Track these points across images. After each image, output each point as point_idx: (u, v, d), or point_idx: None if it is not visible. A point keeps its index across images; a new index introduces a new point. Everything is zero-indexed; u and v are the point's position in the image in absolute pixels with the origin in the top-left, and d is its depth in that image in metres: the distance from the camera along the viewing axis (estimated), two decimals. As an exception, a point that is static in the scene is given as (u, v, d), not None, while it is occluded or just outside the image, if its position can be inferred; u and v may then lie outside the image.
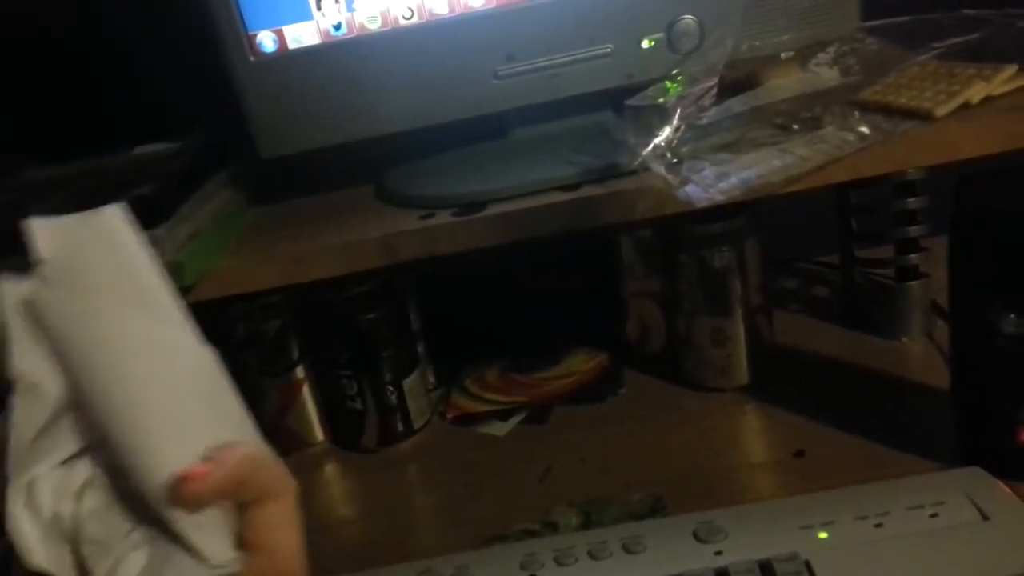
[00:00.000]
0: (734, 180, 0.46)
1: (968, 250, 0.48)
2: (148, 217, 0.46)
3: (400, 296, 0.67)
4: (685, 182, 0.47)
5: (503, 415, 0.67)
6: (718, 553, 0.44)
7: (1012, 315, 0.48)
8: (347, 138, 0.52)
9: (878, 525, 0.44)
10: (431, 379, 0.72)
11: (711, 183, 0.47)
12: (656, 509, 0.54)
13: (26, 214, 0.50)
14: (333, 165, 0.60)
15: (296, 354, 0.65)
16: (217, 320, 0.65)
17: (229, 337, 0.65)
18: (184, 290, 0.48)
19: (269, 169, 0.55)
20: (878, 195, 0.65)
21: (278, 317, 0.64)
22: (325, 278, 0.52)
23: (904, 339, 0.66)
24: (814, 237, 0.73)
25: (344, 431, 0.67)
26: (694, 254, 0.62)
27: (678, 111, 0.45)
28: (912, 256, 0.64)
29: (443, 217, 0.51)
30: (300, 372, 0.66)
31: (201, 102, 0.62)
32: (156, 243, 0.46)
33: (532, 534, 0.54)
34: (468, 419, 0.68)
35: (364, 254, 0.50)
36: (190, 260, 0.47)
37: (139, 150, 0.57)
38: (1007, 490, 0.45)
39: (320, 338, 0.64)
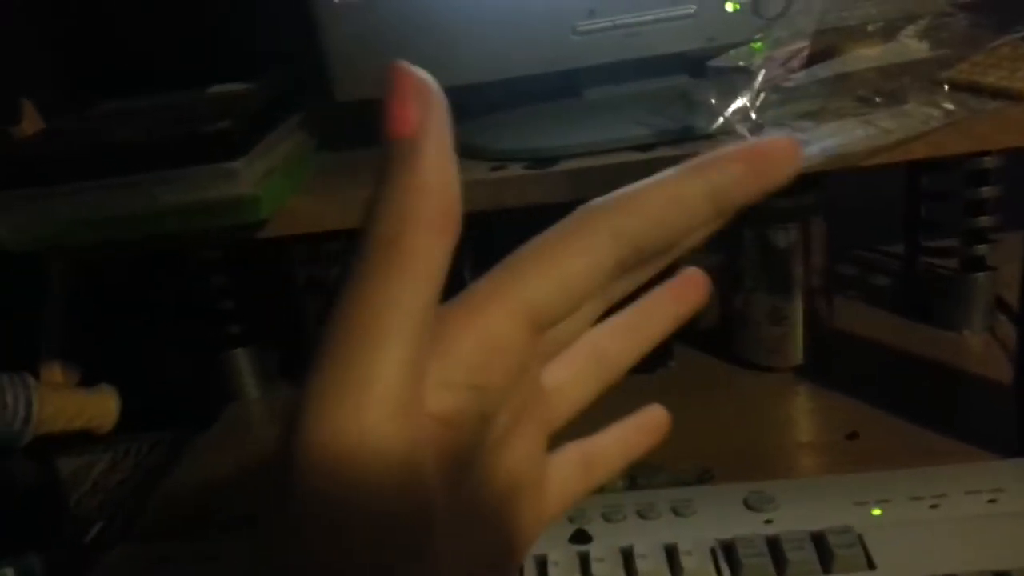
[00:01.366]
0: (815, 148, 0.45)
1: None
2: (226, 151, 0.47)
3: (457, 250, 0.67)
4: (764, 148, 0.47)
5: (551, 379, 0.67)
6: (768, 522, 0.44)
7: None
8: (423, 86, 0.52)
9: (934, 506, 0.44)
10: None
11: (791, 150, 0.46)
12: (703, 480, 0.54)
13: (104, 139, 0.52)
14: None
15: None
16: (280, 266, 0.66)
17: (290, 282, 0.66)
18: (259, 224, 0.49)
19: (342, 115, 0.56)
20: (950, 182, 0.64)
21: (338, 264, 0.64)
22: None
23: (965, 332, 0.64)
24: (879, 225, 0.72)
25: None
26: (759, 229, 0.62)
27: (763, 73, 0.45)
28: (979, 247, 0.62)
29: (513, 170, 0.51)
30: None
31: (278, 44, 0.63)
32: (233, 176, 0.47)
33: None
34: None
35: (433, 201, 0.50)
36: (267, 195, 0.47)
37: (215, 88, 0.57)
38: (1070, 482, 0.44)
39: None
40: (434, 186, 0.21)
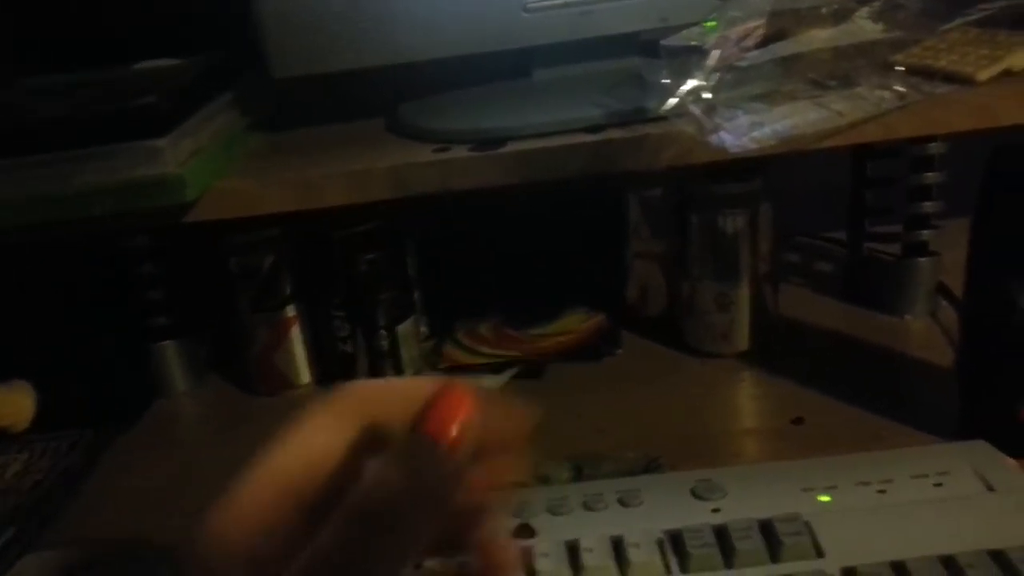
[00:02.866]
0: (768, 130, 0.45)
1: (993, 220, 0.47)
2: (149, 127, 0.45)
3: (400, 240, 0.65)
4: (718, 129, 0.46)
5: (496, 368, 0.66)
6: (716, 510, 0.43)
7: (1030, 290, 0.47)
8: (364, 63, 0.49)
9: (881, 491, 0.43)
10: (424, 329, 0.70)
11: (745, 131, 0.46)
12: (650, 468, 0.53)
13: (28, 116, 0.49)
14: (347, 95, 0.58)
15: (288, 291, 0.63)
16: (211, 252, 0.63)
17: (221, 271, 0.63)
18: (186, 207, 0.46)
19: (280, 94, 0.53)
20: (895, 168, 0.64)
21: (272, 252, 0.62)
22: (329, 208, 0.50)
23: (907, 316, 0.65)
24: (824, 211, 0.72)
25: (332, 374, 0.65)
26: (706, 215, 0.61)
27: (717, 53, 0.44)
28: (923, 232, 0.63)
29: (459, 152, 0.49)
30: (291, 310, 0.64)
31: (211, 20, 0.60)
32: (157, 154, 0.44)
33: (522, 486, 0.52)
34: (460, 371, 0.66)
35: (374, 184, 0.48)
36: (192, 175, 0.45)
37: (142, 64, 0.54)
38: (1013, 463, 0.44)
39: (314, 276, 0.63)
40: (442, 492, 0.25)
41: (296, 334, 0.65)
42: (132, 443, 0.63)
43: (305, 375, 0.66)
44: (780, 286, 0.66)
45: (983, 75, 0.45)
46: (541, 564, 0.41)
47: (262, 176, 0.49)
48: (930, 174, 0.61)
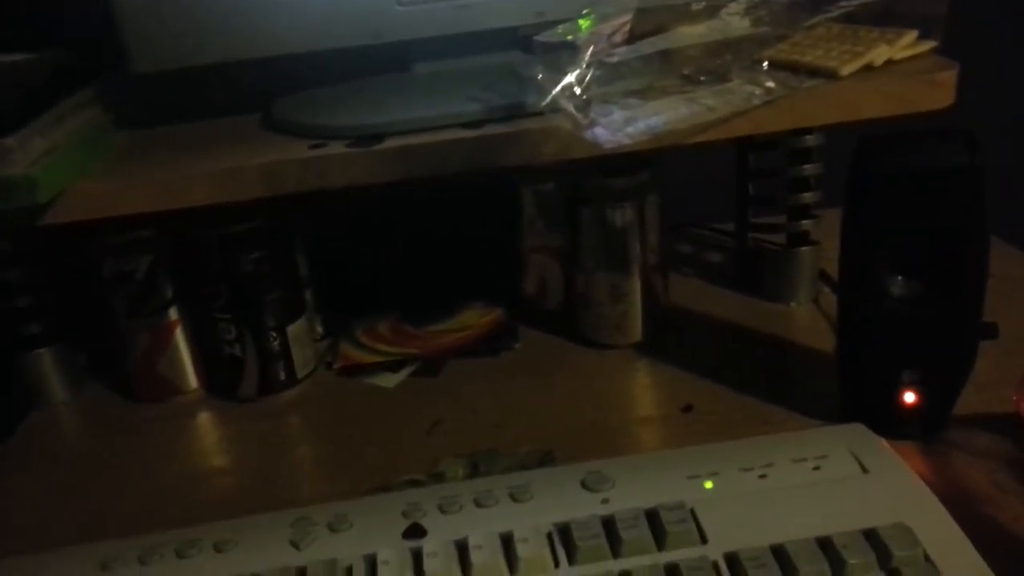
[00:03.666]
0: (641, 125, 0.45)
1: (861, 211, 0.49)
2: (-3, 125, 0.42)
3: (286, 238, 0.63)
4: (593, 124, 0.46)
5: (394, 367, 0.65)
6: (605, 501, 0.44)
7: (899, 277, 0.49)
8: (232, 56, 0.48)
9: (762, 476, 0.44)
10: (319, 329, 0.69)
11: (619, 127, 0.46)
12: (545, 462, 0.53)
13: None
14: (216, 91, 0.56)
15: (169, 295, 0.61)
16: (82, 257, 0.60)
17: (95, 275, 0.60)
18: (40, 209, 0.44)
19: (149, 92, 0.51)
20: (776, 160, 0.66)
21: (148, 254, 0.59)
22: (201, 207, 0.48)
23: (792, 304, 0.67)
24: (711, 204, 0.74)
25: (221, 379, 0.63)
26: (596, 208, 0.61)
27: (589, 49, 0.44)
28: (804, 222, 0.65)
29: (336, 148, 0.48)
30: (173, 314, 0.61)
31: (72, 12, 0.57)
32: (4, 155, 0.41)
33: (417, 485, 0.52)
34: (357, 370, 0.65)
35: (244, 182, 0.46)
36: (45, 175, 0.42)
37: (-7, 58, 0.51)
38: (886, 445, 0.46)
39: (196, 278, 0.60)
40: None
41: (180, 339, 0.62)
42: (7, 455, 0.59)
43: (192, 380, 0.64)
44: (671, 276, 0.67)
45: (846, 70, 0.46)
46: (430, 564, 0.40)
47: (124, 176, 0.47)
48: (808, 166, 0.63)
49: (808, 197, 0.64)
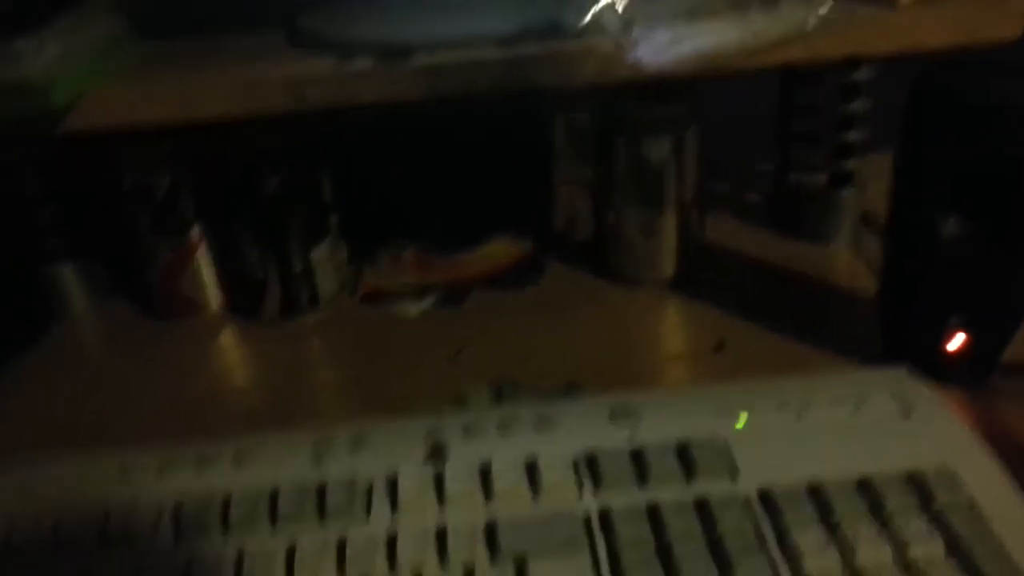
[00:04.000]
0: (688, 47, 0.43)
1: (917, 142, 0.46)
2: (9, 27, 0.40)
3: (312, 160, 0.61)
4: (635, 45, 0.44)
5: (417, 295, 0.64)
6: (633, 433, 0.42)
7: (953, 217, 0.46)
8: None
9: (799, 415, 0.43)
10: (343, 255, 0.67)
11: (663, 49, 0.44)
12: (570, 393, 0.52)
13: None
14: (241, 3, 0.54)
15: (191, 212, 0.59)
16: (103, 171, 0.58)
17: (115, 190, 0.58)
18: (56, 114, 0.42)
19: (166, 1, 0.49)
20: (822, 96, 0.63)
21: (170, 169, 0.57)
22: (225, 124, 0.46)
23: (831, 246, 0.65)
24: (751, 140, 0.71)
25: (243, 300, 0.62)
26: (631, 139, 0.59)
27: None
28: (848, 162, 0.62)
29: (362, 63, 0.45)
30: (195, 232, 0.60)
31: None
32: (17, 57, 0.40)
33: (440, 411, 0.51)
34: (380, 297, 0.64)
35: (266, 94, 0.44)
36: (61, 79, 0.40)
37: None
38: (930, 390, 0.44)
39: (218, 196, 0.59)
40: None
41: (202, 258, 0.61)
42: (29, 370, 0.59)
43: (214, 300, 0.63)
44: (708, 214, 0.65)
45: None
46: (451, 487, 0.39)
47: (144, 84, 0.45)
48: (856, 103, 0.60)
49: (855, 135, 0.61)
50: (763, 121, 0.67)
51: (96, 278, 0.64)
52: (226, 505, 0.40)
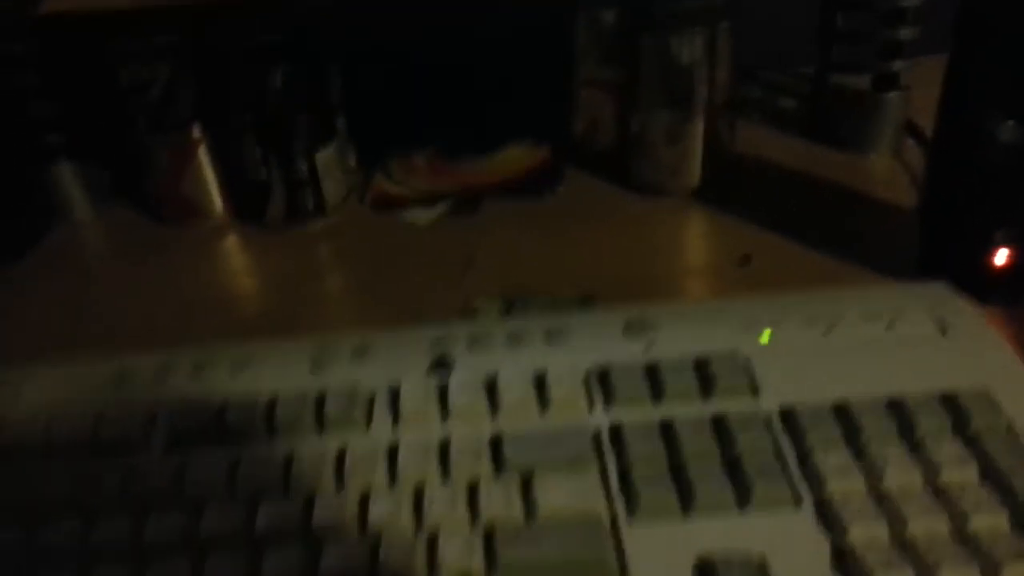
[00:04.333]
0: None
1: (974, 41, 0.42)
2: None
3: (319, 56, 0.58)
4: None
5: (429, 202, 0.61)
6: (649, 347, 0.40)
7: (1011, 121, 0.42)
8: None
9: (828, 331, 0.40)
10: (351, 159, 0.64)
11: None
12: (584, 306, 0.50)
13: None
14: None
15: (190, 109, 0.56)
16: (100, 64, 0.55)
17: (113, 84, 0.55)
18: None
19: None
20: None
21: (168, 62, 0.54)
22: (226, 13, 0.43)
23: (871, 156, 0.60)
24: (790, 41, 0.66)
25: (246, 203, 0.59)
26: (659, 35, 0.55)
27: None
28: (895, 63, 0.57)
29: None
30: (196, 131, 0.57)
31: None
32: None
33: (447, 321, 0.48)
34: (389, 203, 0.61)
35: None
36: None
37: None
38: (970, 307, 0.41)
39: (220, 92, 0.56)
40: None
41: (204, 158, 0.58)
42: (28, 273, 0.57)
43: (217, 204, 0.60)
44: (739, 122, 0.61)
45: None
46: (455, 399, 0.37)
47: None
48: (907, -4, 0.55)
49: (905, 33, 0.56)
50: (804, 17, 0.62)
51: (98, 180, 0.62)
52: (222, 412, 0.38)
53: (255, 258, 0.58)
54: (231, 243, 0.59)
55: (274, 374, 0.40)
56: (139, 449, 0.38)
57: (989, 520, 0.31)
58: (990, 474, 0.33)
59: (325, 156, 0.58)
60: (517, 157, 0.65)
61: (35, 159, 0.59)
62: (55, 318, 0.53)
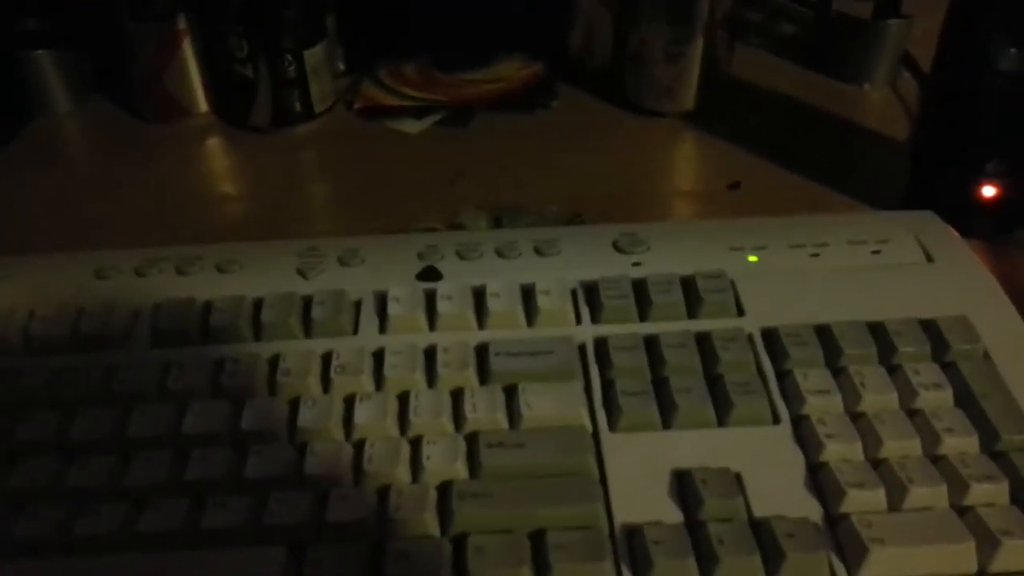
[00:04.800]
0: None
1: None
2: None
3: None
4: None
5: (419, 112, 0.60)
6: (637, 264, 0.40)
7: (1013, 49, 0.42)
8: None
9: (815, 255, 0.40)
10: (340, 64, 0.63)
11: None
12: (573, 222, 0.49)
13: None
14: None
15: (175, -2, 0.54)
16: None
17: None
18: None
19: None
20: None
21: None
22: None
23: (866, 86, 0.60)
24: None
25: (231, 102, 0.58)
26: (664, -53, 0.53)
27: None
28: (899, -10, 0.56)
29: None
30: (181, 22, 0.55)
31: None
32: None
33: (435, 232, 0.48)
34: (378, 112, 0.60)
35: None
36: None
37: None
38: (957, 235, 0.41)
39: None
40: None
41: (188, 52, 0.56)
42: (5, 166, 0.56)
43: (202, 102, 0.59)
44: (737, 45, 0.60)
45: None
46: (443, 306, 0.38)
47: None
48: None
49: (911, -42, 0.55)
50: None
51: (79, 73, 0.60)
52: (206, 312, 0.38)
53: (239, 160, 0.56)
54: (214, 143, 0.57)
55: (260, 276, 0.40)
56: (122, 346, 0.37)
57: (960, 442, 0.32)
58: (964, 399, 0.34)
59: (314, 55, 0.56)
60: (511, 70, 0.63)
61: (13, 45, 0.57)
62: (34, 212, 0.52)
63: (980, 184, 0.45)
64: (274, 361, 0.36)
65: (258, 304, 0.38)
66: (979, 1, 0.42)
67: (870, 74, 0.59)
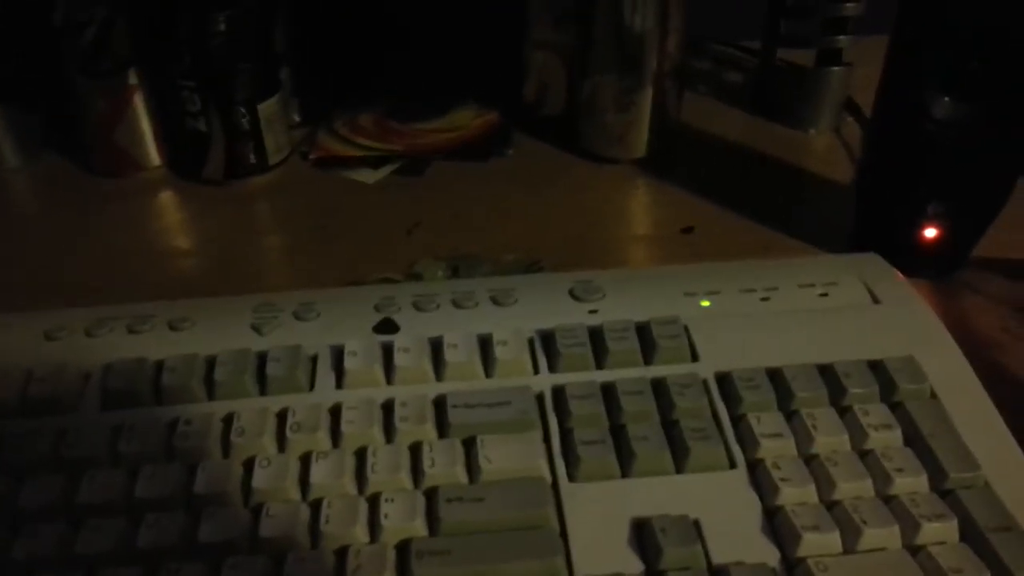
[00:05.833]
0: None
1: (917, 17, 0.43)
2: None
3: (263, 4, 0.56)
4: None
5: (375, 163, 0.60)
6: (593, 312, 0.40)
7: (946, 97, 0.43)
8: None
9: (765, 299, 0.41)
10: (295, 115, 0.63)
11: None
12: (530, 271, 0.50)
13: None
14: None
15: (126, 53, 0.54)
16: (32, 3, 0.53)
17: (46, 24, 0.53)
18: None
19: None
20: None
21: (104, 2, 0.52)
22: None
23: (811, 131, 0.62)
24: (735, 17, 0.66)
25: (184, 155, 0.58)
26: (614, 1, 0.54)
27: None
28: (840, 38, 0.58)
29: None
30: (132, 77, 0.55)
31: None
32: None
33: (392, 284, 0.48)
34: (334, 162, 0.60)
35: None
36: None
37: None
38: (902, 277, 0.42)
39: (157, 36, 0.53)
40: None
41: (140, 107, 0.56)
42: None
43: (154, 156, 0.58)
44: (685, 93, 0.61)
45: None
46: (400, 359, 0.37)
47: None
48: (855, -29, 0.56)
49: (850, 8, 0.57)
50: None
51: (30, 128, 0.59)
52: (158, 372, 0.37)
53: (192, 213, 0.56)
54: (167, 197, 0.57)
55: (213, 333, 0.40)
56: (72, 409, 0.37)
57: (910, 482, 0.33)
58: (913, 439, 0.34)
59: (267, 108, 0.57)
60: (465, 119, 0.64)
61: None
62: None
63: (922, 226, 0.46)
64: (228, 420, 0.36)
65: (211, 362, 0.38)
66: (913, 52, 0.44)
67: (814, 120, 0.61)
